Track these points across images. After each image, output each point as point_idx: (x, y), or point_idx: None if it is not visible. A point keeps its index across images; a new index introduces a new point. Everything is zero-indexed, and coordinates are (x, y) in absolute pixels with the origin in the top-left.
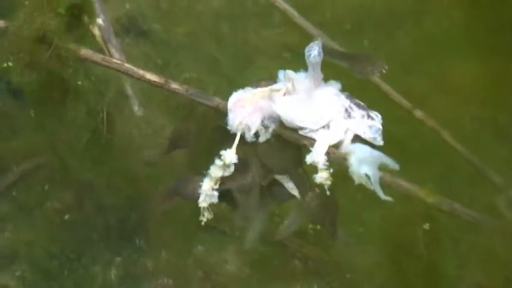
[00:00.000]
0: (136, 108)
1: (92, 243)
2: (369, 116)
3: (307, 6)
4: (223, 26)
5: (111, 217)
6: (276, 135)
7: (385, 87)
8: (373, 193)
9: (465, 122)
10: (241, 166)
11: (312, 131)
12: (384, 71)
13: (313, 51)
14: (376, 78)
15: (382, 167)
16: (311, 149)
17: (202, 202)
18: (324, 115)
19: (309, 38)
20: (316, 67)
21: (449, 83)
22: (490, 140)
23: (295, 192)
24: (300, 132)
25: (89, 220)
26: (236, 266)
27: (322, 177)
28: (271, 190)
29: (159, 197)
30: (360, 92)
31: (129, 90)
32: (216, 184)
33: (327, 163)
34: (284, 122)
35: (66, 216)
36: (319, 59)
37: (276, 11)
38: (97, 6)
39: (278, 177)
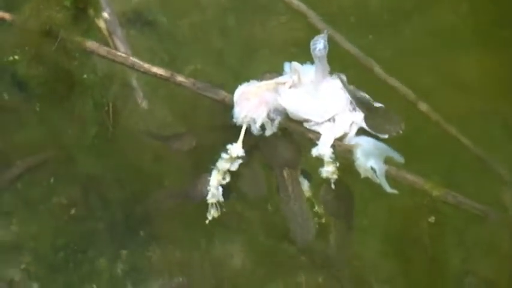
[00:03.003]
0: (141, 101)
1: (97, 237)
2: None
3: None
4: (229, 19)
5: (117, 211)
6: (282, 129)
7: (391, 80)
8: (379, 186)
9: (471, 116)
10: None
11: (317, 124)
12: (400, 132)
13: (319, 45)
14: (382, 72)
15: (387, 160)
16: (317, 142)
17: (211, 198)
18: (329, 108)
19: (314, 31)
20: (322, 60)
21: (456, 77)
22: (496, 134)
23: (303, 186)
24: (305, 125)
25: (95, 214)
26: (241, 260)
27: (329, 171)
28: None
29: (165, 197)
30: (366, 85)
31: (135, 83)
32: (223, 178)
33: (333, 156)
34: (289, 114)
35: (72, 210)
36: (324, 52)
37: (282, 4)
38: None
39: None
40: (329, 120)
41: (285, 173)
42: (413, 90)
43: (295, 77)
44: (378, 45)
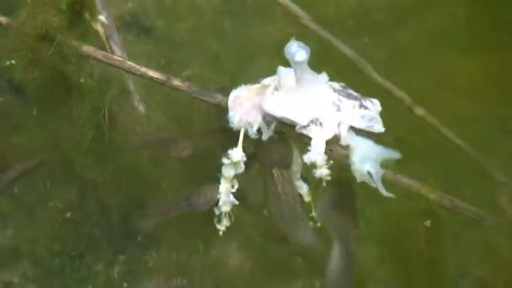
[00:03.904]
0: (138, 104)
1: (94, 241)
2: (361, 106)
3: (308, 2)
4: (225, 23)
5: (114, 214)
6: (278, 132)
7: (387, 84)
8: (375, 190)
9: (467, 119)
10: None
11: (304, 127)
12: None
13: (296, 51)
14: (378, 75)
15: (384, 164)
16: (308, 148)
17: (223, 206)
18: (308, 111)
19: (311, 35)
20: (301, 66)
21: (451, 80)
22: (492, 136)
23: (302, 190)
24: (296, 129)
25: (91, 218)
26: (239, 262)
27: (322, 173)
28: None
29: (169, 209)
30: (361, 89)
31: (131, 87)
32: (232, 185)
33: (325, 160)
34: (274, 118)
35: (68, 214)
36: (304, 58)
37: (278, 7)
38: (98, 3)
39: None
40: (314, 123)
41: (275, 173)
42: (409, 93)
43: (277, 81)
44: (374, 48)
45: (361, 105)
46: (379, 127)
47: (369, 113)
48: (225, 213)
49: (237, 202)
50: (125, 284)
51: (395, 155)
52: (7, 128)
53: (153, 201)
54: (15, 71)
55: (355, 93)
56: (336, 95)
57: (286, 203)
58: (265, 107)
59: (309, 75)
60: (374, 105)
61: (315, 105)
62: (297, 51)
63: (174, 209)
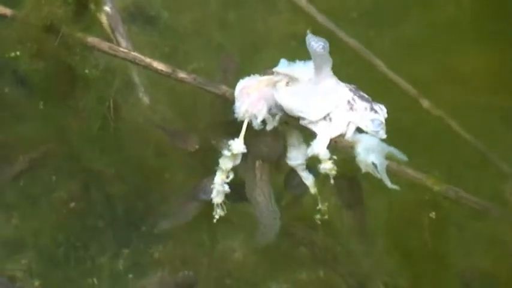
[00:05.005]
0: (143, 96)
1: (99, 233)
2: (372, 109)
3: None
4: (230, 14)
5: (118, 206)
6: (283, 123)
7: (392, 75)
8: (379, 181)
9: (472, 110)
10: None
11: (312, 122)
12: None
13: (318, 43)
14: (383, 67)
15: (389, 156)
16: (310, 143)
17: (216, 197)
18: (323, 107)
19: (316, 26)
20: (322, 58)
21: (456, 71)
22: (496, 128)
23: (308, 182)
24: (301, 122)
25: (96, 209)
26: (243, 254)
27: (326, 168)
28: (289, 182)
29: (182, 204)
30: (367, 80)
31: (136, 78)
32: (227, 177)
33: (328, 154)
34: (286, 111)
35: (73, 205)
36: (326, 49)
37: None
38: None
39: (293, 164)
40: (324, 119)
41: (257, 162)
42: (413, 84)
43: (291, 75)
44: (379, 39)
45: (371, 109)
46: (382, 133)
47: (378, 118)
48: (218, 204)
49: (229, 190)
50: (130, 276)
51: (401, 155)
52: (12, 120)
53: (161, 197)
54: (20, 63)
55: (366, 96)
56: (351, 94)
57: (261, 194)
58: (278, 100)
59: (327, 68)
60: (382, 111)
61: (330, 101)
62: (318, 43)
63: (189, 205)
